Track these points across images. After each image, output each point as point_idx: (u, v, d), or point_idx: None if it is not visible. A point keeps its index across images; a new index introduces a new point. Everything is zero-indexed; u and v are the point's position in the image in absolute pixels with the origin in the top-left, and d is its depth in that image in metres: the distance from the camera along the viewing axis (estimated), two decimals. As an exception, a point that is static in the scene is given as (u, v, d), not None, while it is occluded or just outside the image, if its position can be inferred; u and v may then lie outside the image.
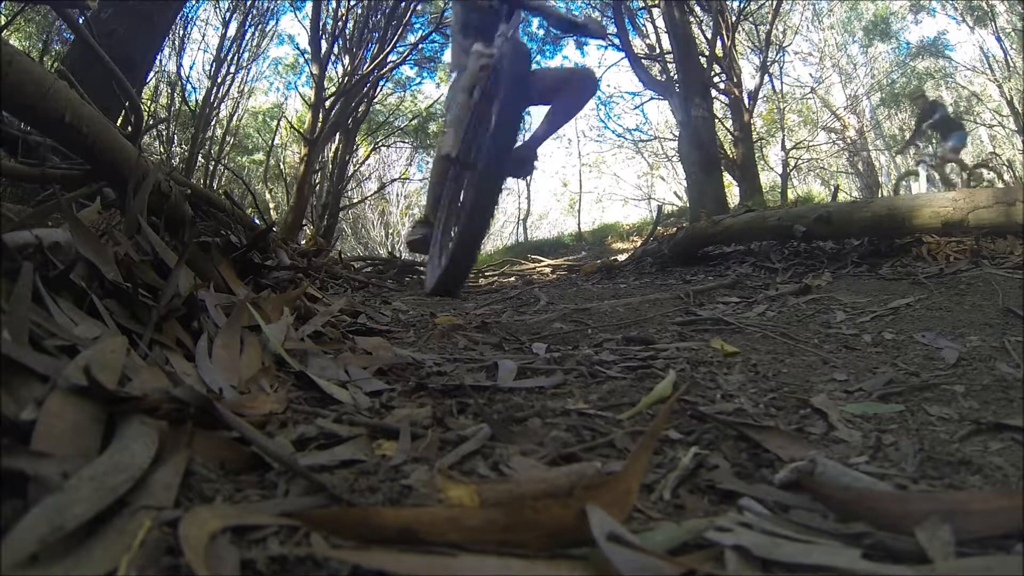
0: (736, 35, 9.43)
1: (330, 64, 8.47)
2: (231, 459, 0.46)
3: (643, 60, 8.87)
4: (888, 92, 13.93)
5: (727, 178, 8.19)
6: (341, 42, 8.51)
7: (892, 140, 15.01)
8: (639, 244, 4.70)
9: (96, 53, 1.80)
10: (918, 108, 7.33)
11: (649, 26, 10.22)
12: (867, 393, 0.73)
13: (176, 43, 9.21)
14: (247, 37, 9.84)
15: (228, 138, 10.48)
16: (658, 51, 9.81)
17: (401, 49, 8.79)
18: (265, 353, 0.78)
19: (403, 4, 8.61)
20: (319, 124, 7.80)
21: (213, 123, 9.55)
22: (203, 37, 10.50)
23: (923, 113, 7.16)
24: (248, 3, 9.40)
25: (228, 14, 9.49)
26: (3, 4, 3.80)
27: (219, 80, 9.37)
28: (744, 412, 0.66)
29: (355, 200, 12.64)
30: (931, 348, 0.94)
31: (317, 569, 0.32)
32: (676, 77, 7.63)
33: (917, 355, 0.91)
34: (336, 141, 8.95)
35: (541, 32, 13.11)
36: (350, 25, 8.57)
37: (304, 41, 9.11)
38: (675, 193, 13.79)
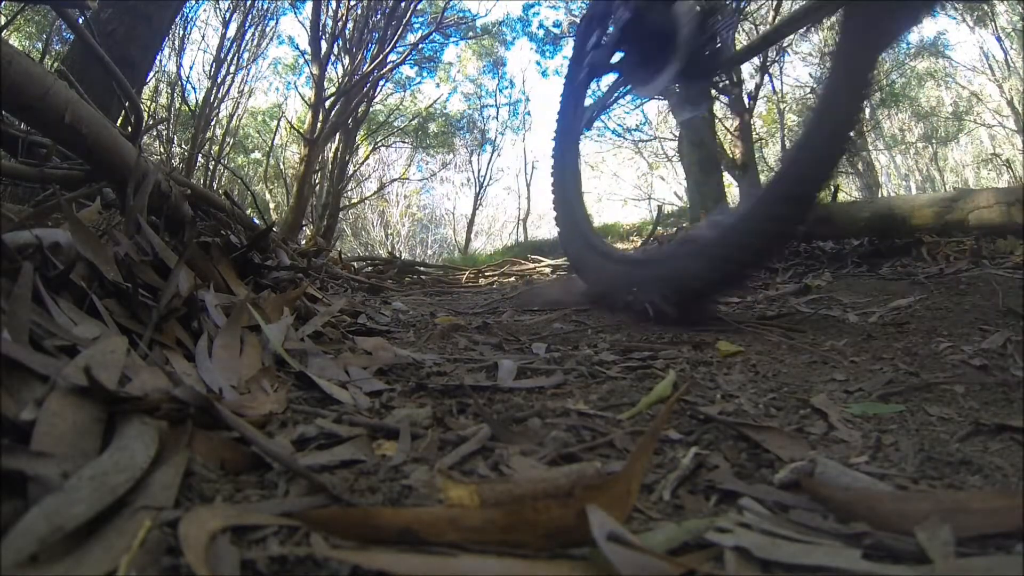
0: (736, 35, 9.42)
1: (330, 64, 8.47)
2: (231, 459, 0.46)
3: (643, 60, 8.86)
4: (888, 92, 13.92)
5: (727, 178, 8.18)
6: (341, 42, 8.50)
7: (892, 140, 15.02)
8: (639, 244, 4.70)
9: (96, 53, 1.79)
10: None
11: (649, 26, 10.21)
12: (867, 393, 0.73)
13: (176, 43, 9.21)
14: (247, 37, 9.84)
15: (228, 138, 10.47)
16: (658, 51, 9.80)
17: (401, 49, 8.79)
18: (265, 353, 0.78)
19: (403, 4, 8.61)
20: (319, 124, 7.80)
21: (213, 123, 9.55)
22: (203, 37, 10.51)
23: None
24: (248, 3, 9.40)
25: (228, 14, 9.49)
26: (3, 4, 3.79)
27: (219, 80, 9.37)
28: (744, 412, 0.65)
29: (355, 200, 12.64)
30: (931, 348, 0.94)
31: (317, 569, 0.32)
32: (676, 77, 7.61)
33: (917, 355, 0.91)
34: (336, 141, 8.94)
35: (541, 33, 13.11)
36: (350, 25, 8.57)
37: (304, 42, 9.11)
38: (675, 193, 13.80)
